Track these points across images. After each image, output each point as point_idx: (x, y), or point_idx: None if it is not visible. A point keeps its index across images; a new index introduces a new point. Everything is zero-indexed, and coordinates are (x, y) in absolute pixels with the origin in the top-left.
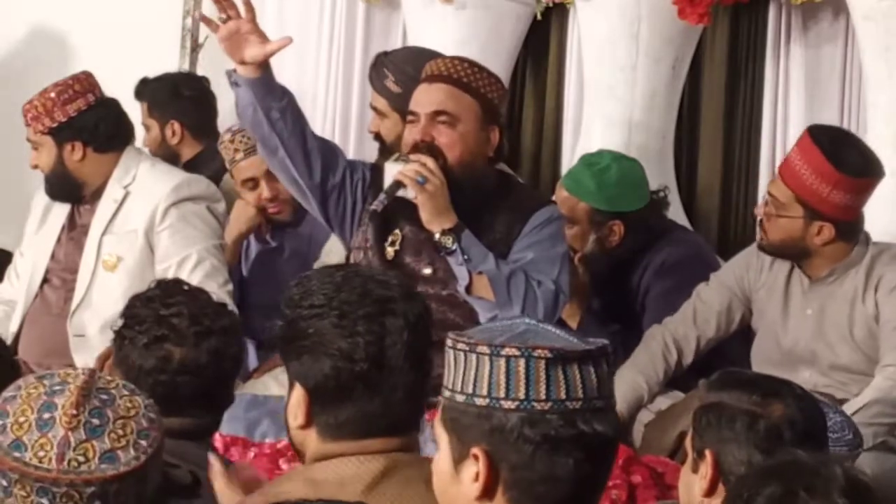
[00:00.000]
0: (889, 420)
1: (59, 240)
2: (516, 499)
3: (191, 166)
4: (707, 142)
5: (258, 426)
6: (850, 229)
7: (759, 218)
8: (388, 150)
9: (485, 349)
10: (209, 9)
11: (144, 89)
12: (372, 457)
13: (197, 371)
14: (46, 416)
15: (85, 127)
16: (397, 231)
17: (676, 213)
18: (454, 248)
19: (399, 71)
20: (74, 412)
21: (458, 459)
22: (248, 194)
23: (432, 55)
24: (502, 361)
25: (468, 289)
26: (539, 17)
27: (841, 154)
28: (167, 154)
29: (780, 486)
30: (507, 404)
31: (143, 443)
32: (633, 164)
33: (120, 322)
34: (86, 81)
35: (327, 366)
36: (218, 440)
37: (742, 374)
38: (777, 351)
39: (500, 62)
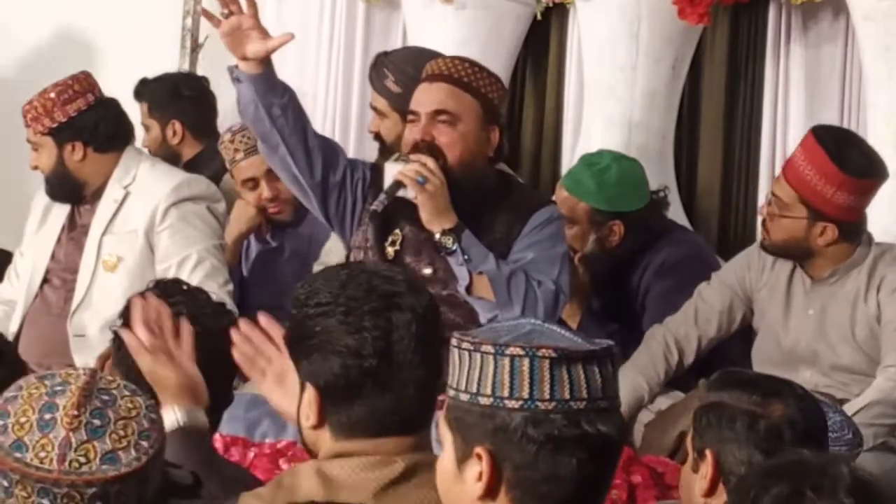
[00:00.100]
0: (890, 421)
1: (59, 240)
2: (519, 499)
3: (191, 166)
4: (707, 142)
5: (258, 426)
6: (853, 230)
7: (762, 218)
8: (388, 150)
9: (489, 348)
10: (211, 4)
11: (144, 89)
12: (389, 458)
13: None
14: (48, 416)
15: (85, 127)
16: (397, 231)
17: (676, 213)
18: (454, 248)
19: (399, 71)
20: (76, 413)
21: (462, 459)
22: (249, 194)
23: (432, 55)
24: (506, 361)
25: (468, 289)
26: (539, 17)
27: (845, 155)
28: (167, 154)
29: (787, 485)
30: (511, 404)
31: (145, 444)
32: (633, 164)
33: (119, 322)
34: (85, 81)
35: (336, 364)
36: (218, 440)
37: (742, 374)
38: (778, 351)
39: (500, 62)
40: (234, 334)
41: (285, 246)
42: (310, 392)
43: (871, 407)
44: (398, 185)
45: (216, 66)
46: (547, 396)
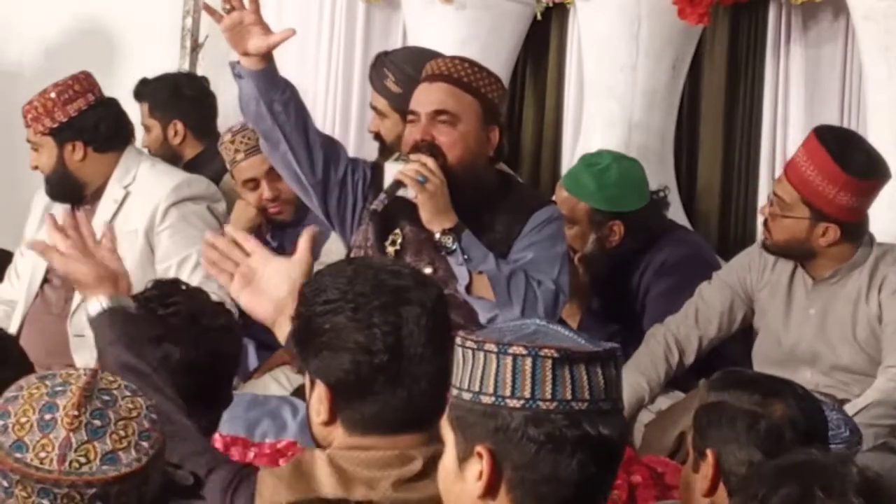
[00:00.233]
0: (890, 421)
1: None
2: (519, 499)
3: (191, 166)
4: (707, 142)
5: (258, 426)
6: (855, 230)
7: (763, 218)
8: (388, 149)
9: (492, 347)
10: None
11: (144, 90)
12: (407, 453)
13: (196, 371)
14: (48, 416)
15: (85, 127)
16: (398, 231)
17: (676, 213)
18: (454, 247)
19: (399, 71)
20: (76, 413)
21: (463, 458)
22: (249, 195)
23: (432, 55)
24: (509, 360)
25: (468, 288)
26: (539, 17)
27: (847, 155)
28: (168, 154)
29: (797, 485)
30: (513, 403)
31: (145, 444)
32: (633, 164)
33: None
34: (85, 81)
35: (346, 360)
36: (218, 440)
37: (743, 374)
38: (778, 351)
39: (500, 62)
40: (201, 243)
41: (285, 246)
42: (320, 389)
43: (872, 407)
44: (398, 184)
45: (216, 67)
46: (549, 396)
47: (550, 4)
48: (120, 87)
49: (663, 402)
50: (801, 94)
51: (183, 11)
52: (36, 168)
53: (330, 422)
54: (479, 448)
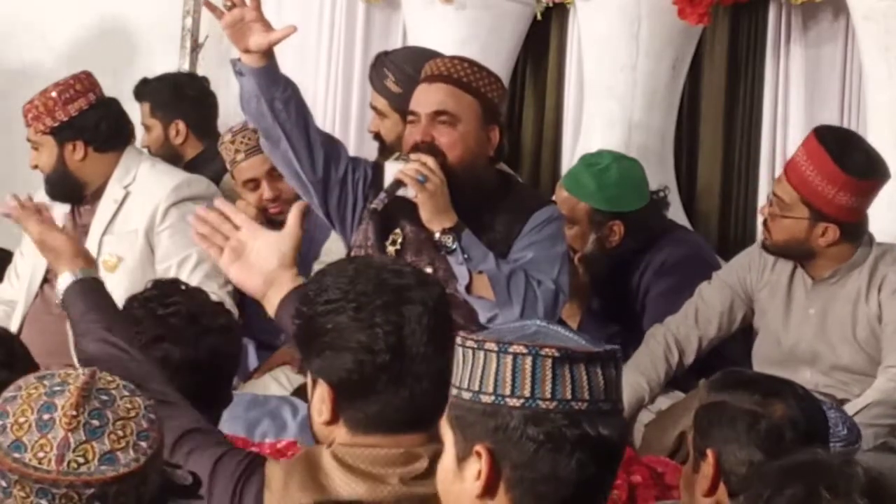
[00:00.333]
0: (890, 421)
1: None
2: (518, 498)
3: (192, 166)
4: (707, 142)
5: (258, 426)
6: (854, 231)
7: (763, 218)
8: (387, 149)
9: (492, 346)
10: None
11: (145, 89)
12: (413, 452)
13: (195, 370)
14: (46, 416)
15: (86, 126)
16: (398, 230)
17: (676, 213)
18: (454, 247)
19: (399, 71)
20: (74, 413)
21: (462, 457)
22: (250, 195)
23: (432, 55)
24: (509, 359)
25: (468, 288)
26: (539, 17)
27: (847, 156)
28: (169, 154)
29: (802, 485)
30: (512, 402)
31: (143, 444)
32: (633, 164)
33: None
34: (86, 81)
35: (349, 360)
36: None
37: (743, 374)
38: (778, 351)
39: (500, 62)
40: (191, 218)
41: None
42: (322, 388)
43: (872, 407)
44: (398, 183)
45: (216, 67)
46: (548, 396)
47: (550, 4)
48: (120, 87)
49: (663, 402)
50: (801, 94)
51: (183, 11)
52: (36, 167)
53: (332, 421)
54: (478, 447)
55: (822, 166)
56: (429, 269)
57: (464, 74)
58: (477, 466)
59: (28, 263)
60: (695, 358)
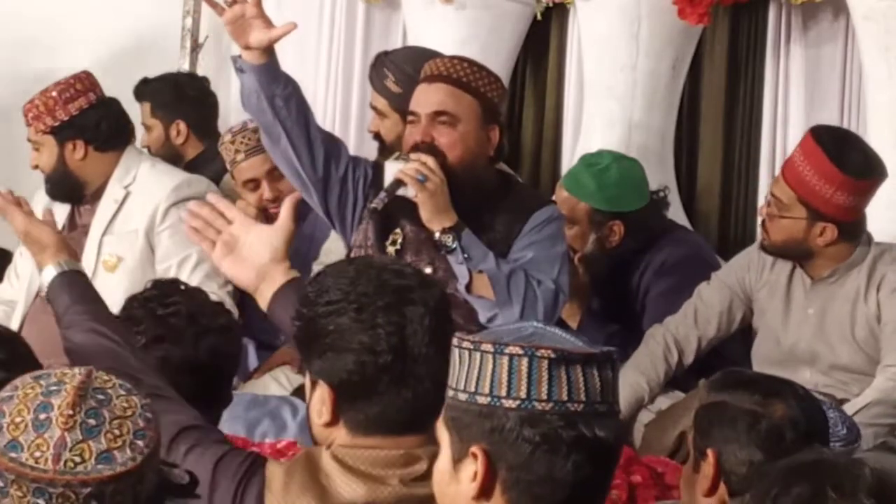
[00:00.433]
0: (890, 420)
1: None
2: (514, 500)
3: (192, 166)
4: (707, 142)
5: (258, 426)
6: (852, 230)
7: (761, 219)
8: (387, 149)
9: (489, 347)
10: None
11: (146, 89)
12: (413, 453)
13: (195, 370)
14: (43, 416)
15: (87, 126)
16: (398, 230)
17: (676, 213)
18: (454, 246)
19: (399, 71)
20: (70, 412)
21: (458, 458)
22: (250, 195)
23: (432, 55)
24: (505, 360)
25: (468, 288)
26: (539, 17)
27: (844, 155)
28: (170, 154)
29: (809, 485)
30: (508, 403)
31: (140, 443)
32: (633, 164)
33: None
34: (87, 80)
35: (350, 361)
36: None
37: (743, 374)
38: (777, 350)
39: (500, 62)
40: (185, 213)
41: (292, 243)
42: (322, 389)
43: (871, 407)
44: (398, 183)
45: (216, 67)
46: (544, 397)
47: (550, 4)
48: (120, 87)
49: (663, 402)
50: (801, 94)
51: (183, 11)
52: (36, 168)
53: (332, 423)
54: (473, 448)
55: (819, 166)
56: (429, 269)
57: (463, 74)
58: (473, 468)
59: (28, 263)
60: (694, 358)
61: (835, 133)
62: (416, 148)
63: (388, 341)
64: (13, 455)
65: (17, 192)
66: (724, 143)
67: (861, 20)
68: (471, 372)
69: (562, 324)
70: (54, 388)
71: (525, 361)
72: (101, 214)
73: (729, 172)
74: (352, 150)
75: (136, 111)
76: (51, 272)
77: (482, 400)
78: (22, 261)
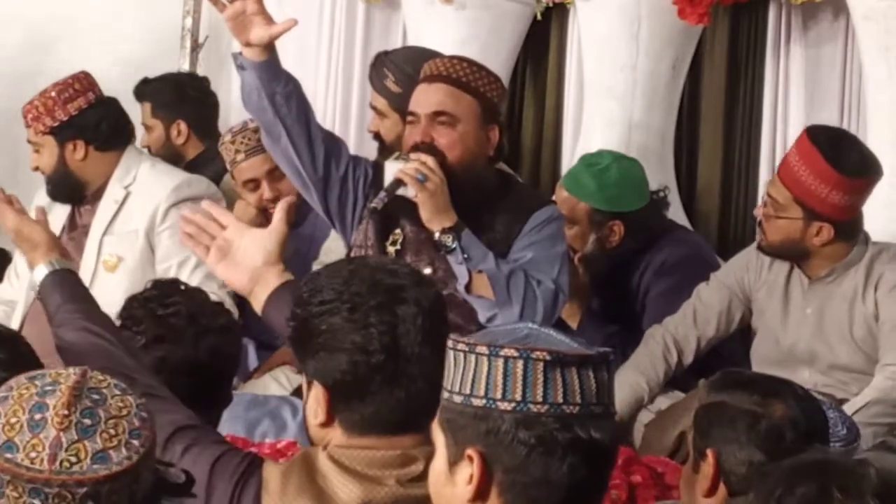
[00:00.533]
0: (889, 420)
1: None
2: (511, 503)
3: (193, 166)
4: (707, 142)
5: (258, 426)
6: (849, 229)
7: (758, 219)
8: (387, 149)
9: (484, 349)
10: None
11: (146, 89)
12: (409, 454)
13: (195, 370)
14: (38, 416)
15: (87, 125)
16: (398, 230)
17: (676, 213)
18: (454, 246)
19: (399, 71)
20: (66, 412)
21: (454, 461)
22: (250, 195)
23: (432, 55)
24: (500, 362)
25: (468, 287)
26: (539, 17)
27: (839, 154)
28: (170, 154)
29: (815, 485)
30: (504, 405)
31: (136, 442)
32: (633, 164)
33: (118, 323)
34: (85, 80)
35: (343, 361)
36: None
37: (743, 374)
38: (777, 350)
39: (500, 62)
40: (179, 219)
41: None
42: (317, 390)
43: (870, 406)
44: (398, 183)
45: (216, 67)
46: (540, 399)
47: (550, 4)
48: (120, 87)
49: (663, 402)
50: (801, 94)
51: (183, 11)
52: (37, 169)
53: (327, 423)
54: (469, 451)
55: (814, 166)
56: (428, 269)
57: (463, 74)
58: (469, 470)
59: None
60: (693, 358)
61: (830, 133)
62: (416, 148)
63: (380, 341)
64: (9, 456)
65: (18, 192)
66: (724, 143)
67: (861, 20)
68: (466, 374)
69: (562, 324)
70: (49, 388)
71: (520, 364)
72: (101, 214)
73: (729, 172)
74: (352, 150)
75: (136, 111)
76: (42, 271)
77: (477, 402)
78: (22, 261)
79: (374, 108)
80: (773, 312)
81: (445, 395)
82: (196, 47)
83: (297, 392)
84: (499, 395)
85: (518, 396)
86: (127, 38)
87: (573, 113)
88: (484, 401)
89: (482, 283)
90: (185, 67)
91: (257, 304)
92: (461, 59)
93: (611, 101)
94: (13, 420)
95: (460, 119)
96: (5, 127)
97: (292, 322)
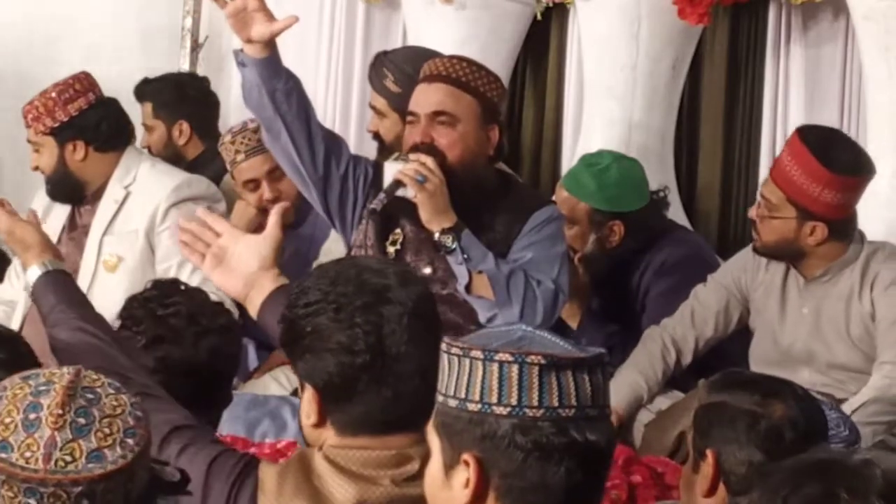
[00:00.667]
0: (887, 418)
1: (59, 240)
2: None
3: (193, 166)
4: (707, 142)
5: (258, 426)
6: (843, 228)
7: (753, 220)
8: (387, 149)
9: (478, 354)
10: None
11: (147, 89)
12: (405, 454)
13: (195, 371)
14: (32, 416)
15: (87, 126)
16: (398, 230)
17: (676, 213)
18: (454, 246)
19: (399, 71)
20: (60, 412)
21: (450, 465)
22: (250, 195)
23: (432, 55)
24: (495, 366)
25: (468, 288)
26: (539, 17)
27: (830, 153)
28: (171, 154)
29: (820, 485)
30: (499, 410)
31: (130, 441)
32: (633, 164)
33: (118, 323)
34: (85, 81)
35: (330, 362)
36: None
37: (743, 375)
38: (775, 350)
39: (500, 62)
40: (175, 227)
41: (286, 247)
42: (308, 392)
43: (869, 405)
44: (398, 183)
45: (216, 67)
46: (535, 403)
47: (550, 4)
48: (120, 87)
49: (663, 402)
50: (801, 94)
51: (183, 11)
52: (36, 169)
53: (320, 424)
54: (465, 456)
55: (805, 165)
56: (428, 269)
57: (463, 74)
58: (465, 475)
59: None
60: (692, 358)
61: (820, 132)
62: (416, 148)
63: (365, 341)
64: (3, 455)
65: (23, 191)
66: (724, 143)
67: (861, 20)
68: (460, 378)
69: (562, 324)
70: (43, 387)
71: (515, 368)
72: (101, 214)
73: (729, 172)
74: (351, 150)
75: (136, 111)
76: (35, 272)
77: (473, 407)
78: None
79: (373, 107)
80: (770, 312)
81: (440, 398)
82: (196, 47)
83: (297, 392)
84: (494, 400)
85: (514, 401)
86: (127, 38)
87: (573, 113)
88: (479, 405)
89: (482, 283)
90: (185, 67)
91: (253, 309)
92: (461, 59)
93: (611, 101)
94: (7, 420)
95: (460, 119)
96: (6, 127)
97: (282, 324)
